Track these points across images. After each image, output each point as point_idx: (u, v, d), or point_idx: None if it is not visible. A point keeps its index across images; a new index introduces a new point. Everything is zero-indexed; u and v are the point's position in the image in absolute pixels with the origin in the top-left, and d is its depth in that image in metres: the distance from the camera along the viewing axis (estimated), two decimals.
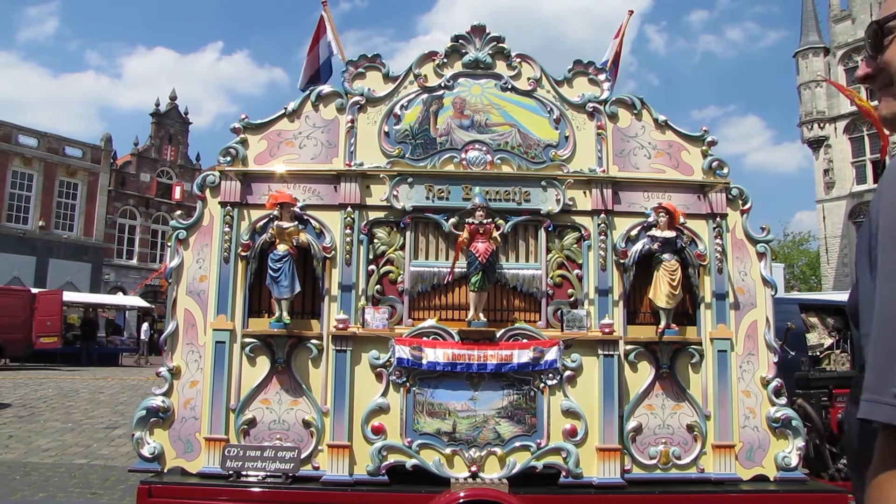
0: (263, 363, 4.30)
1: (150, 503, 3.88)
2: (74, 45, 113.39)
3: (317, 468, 4.16)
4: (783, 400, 4.40)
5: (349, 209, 4.39)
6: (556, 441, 4.18)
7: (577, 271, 4.46)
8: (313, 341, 4.30)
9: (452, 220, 4.40)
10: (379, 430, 4.16)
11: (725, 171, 4.60)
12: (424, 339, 4.19)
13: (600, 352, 4.26)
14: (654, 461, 4.26)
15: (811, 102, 30.55)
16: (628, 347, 4.37)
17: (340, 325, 4.22)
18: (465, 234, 4.25)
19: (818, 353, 6.82)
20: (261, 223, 4.39)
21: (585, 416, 4.21)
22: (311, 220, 4.42)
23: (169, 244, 4.47)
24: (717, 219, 4.51)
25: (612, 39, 5.71)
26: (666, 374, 4.36)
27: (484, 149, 4.52)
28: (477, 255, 4.16)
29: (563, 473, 4.14)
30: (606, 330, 4.27)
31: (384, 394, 4.21)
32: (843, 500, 4.05)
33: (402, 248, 4.43)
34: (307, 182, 4.46)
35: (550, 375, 4.20)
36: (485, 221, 4.23)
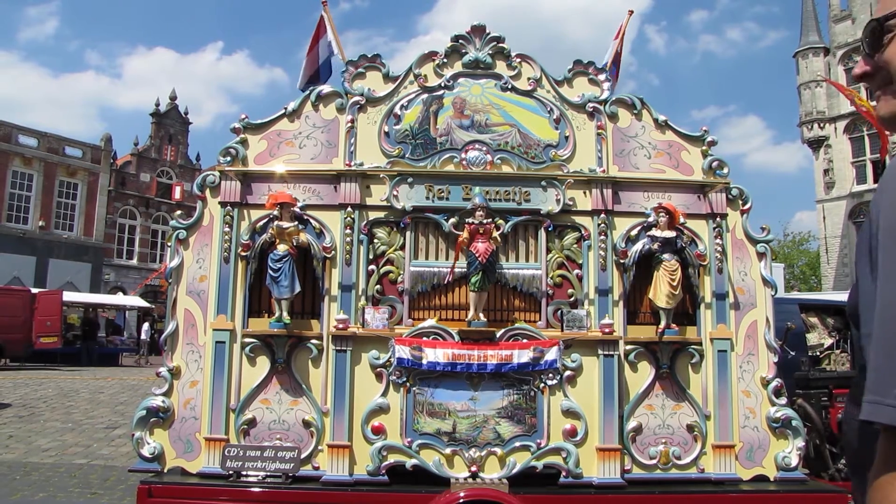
0: (263, 363, 4.30)
1: (150, 503, 3.88)
2: (74, 45, 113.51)
3: (317, 468, 4.16)
4: (783, 400, 4.40)
5: (349, 209, 4.39)
6: (556, 441, 4.17)
7: (577, 271, 4.45)
8: (313, 341, 4.30)
9: (452, 220, 4.40)
10: (379, 430, 4.16)
11: (725, 171, 4.60)
12: (424, 339, 4.19)
13: (600, 352, 4.26)
14: (654, 461, 4.26)
15: (811, 102, 30.54)
16: (628, 347, 4.37)
17: (340, 325, 4.21)
18: (465, 234, 4.25)
19: (818, 353, 6.81)
20: (261, 223, 4.39)
21: (585, 416, 4.21)
22: (311, 220, 4.42)
23: (169, 244, 4.47)
24: (717, 219, 4.51)
25: (612, 40, 5.71)
26: (666, 374, 4.36)
27: (484, 149, 4.52)
28: (477, 255, 4.16)
29: (563, 473, 4.14)
30: (606, 330, 4.27)
31: (384, 394, 4.21)
32: (844, 501, 4.05)
33: (402, 248, 4.43)
34: (307, 182, 4.46)
35: (550, 375, 4.20)
36: (485, 221, 4.23)
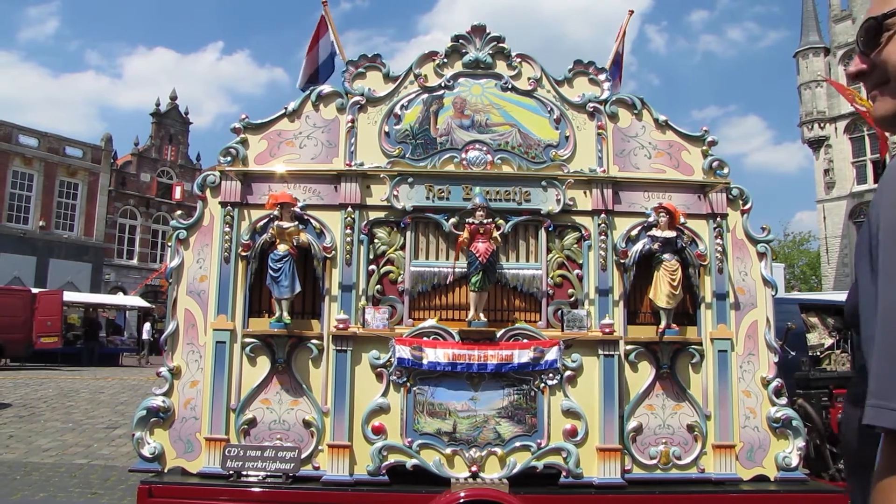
0: (264, 363, 4.30)
1: (150, 503, 3.88)
2: (75, 45, 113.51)
3: (317, 468, 4.16)
4: (783, 400, 4.39)
5: (349, 209, 4.39)
6: (556, 441, 4.17)
7: (577, 271, 4.45)
8: (314, 341, 4.30)
9: (453, 220, 4.40)
10: (379, 430, 4.16)
11: (726, 170, 4.60)
12: (425, 339, 4.19)
13: (601, 352, 4.26)
14: (654, 461, 4.26)
15: (811, 102, 30.54)
16: (629, 347, 4.36)
17: (341, 325, 4.21)
18: (465, 234, 4.25)
19: (818, 353, 6.81)
20: (261, 223, 4.39)
21: (586, 416, 4.20)
22: (312, 220, 4.42)
23: (169, 244, 4.47)
24: (718, 219, 4.51)
25: (614, 42, 5.71)
26: (666, 374, 4.36)
27: (484, 149, 4.52)
28: (477, 255, 4.16)
29: (564, 473, 4.14)
30: (607, 330, 4.27)
31: (384, 394, 4.21)
32: (844, 501, 4.04)
33: (403, 248, 4.43)
34: (307, 182, 4.46)
35: (551, 375, 4.20)
36: (485, 221, 4.23)
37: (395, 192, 4.40)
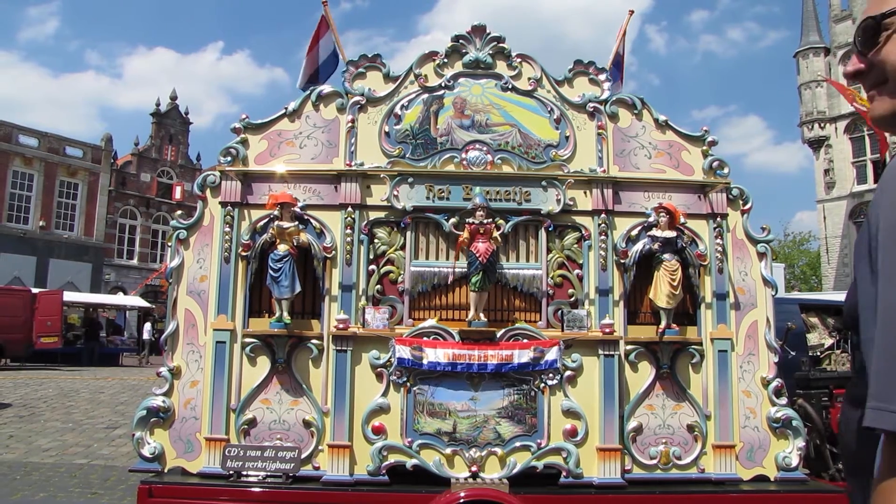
0: (264, 363, 4.30)
1: (150, 503, 3.88)
2: (75, 45, 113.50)
3: (317, 468, 4.16)
4: (784, 400, 4.39)
5: (350, 209, 4.39)
6: (556, 441, 4.17)
7: (577, 271, 4.45)
8: (314, 341, 4.30)
9: (453, 220, 4.40)
10: (379, 430, 4.16)
11: (726, 170, 4.60)
12: (425, 339, 4.19)
13: (601, 352, 4.26)
14: (654, 461, 4.26)
15: (812, 102, 30.53)
16: (629, 347, 4.36)
17: (341, 325, 4.21)
18: (465, 234, 4.25)
19: (818, 354, 6.80)
20: (261, 223, 4.39)
21: (586, 416, 4.20)
22: (312, 220, 4.42)
23: (169, 244, 4.47)
24: (718, 219, 4.51)
25: (614, 42, 5.71)
26: (666, 374, 4.36)
27: (484, 149, 4.52)
28: (477, 255, 4.16)
29: (564, 473, 4.14)
30: (607, 330, 4.27)
31: (384, 394, 4.21)
32: (844, 501, 4.03)
33: (403, 248, 4.43)
34: (308, 182, 4.46)
35: (551, 375, 4.20)
36: (485, 221, 4.23)
37: (396, 192, 4.40)
